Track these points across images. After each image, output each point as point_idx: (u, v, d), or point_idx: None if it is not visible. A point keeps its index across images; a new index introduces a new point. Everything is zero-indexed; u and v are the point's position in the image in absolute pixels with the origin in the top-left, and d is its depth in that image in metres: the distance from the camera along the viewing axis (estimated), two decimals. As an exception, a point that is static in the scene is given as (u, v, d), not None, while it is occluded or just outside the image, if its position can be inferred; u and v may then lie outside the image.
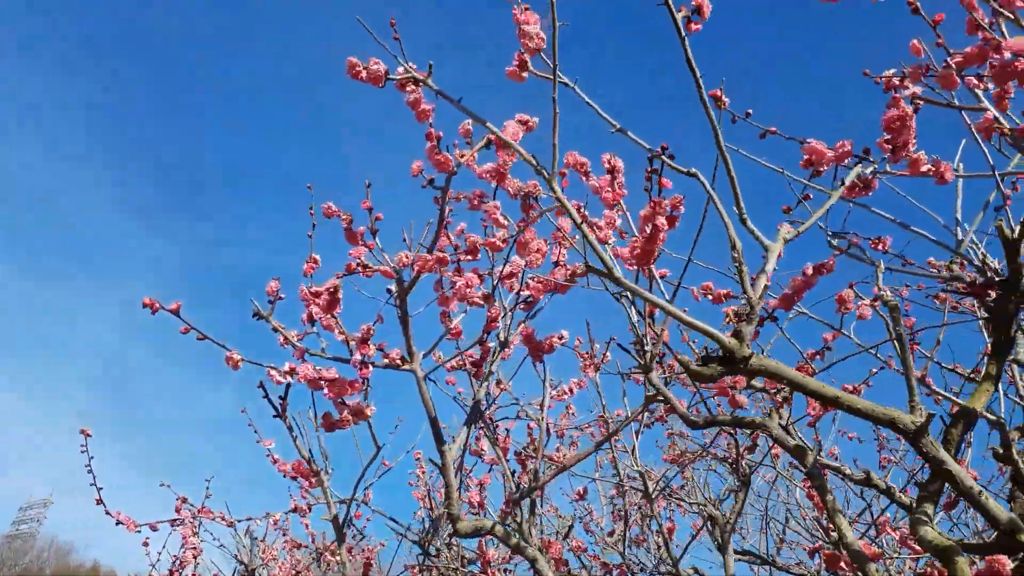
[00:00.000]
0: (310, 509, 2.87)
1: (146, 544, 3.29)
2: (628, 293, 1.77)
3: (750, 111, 1.77)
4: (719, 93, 1.67)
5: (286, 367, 1.70)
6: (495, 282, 1.84)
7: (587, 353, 2.93)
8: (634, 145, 1.51)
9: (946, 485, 1.18)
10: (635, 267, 1.54)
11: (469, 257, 1.76)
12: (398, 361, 1.92)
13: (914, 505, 1.36)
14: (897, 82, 1.62)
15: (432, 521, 2.71)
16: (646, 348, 1.74)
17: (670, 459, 3.56)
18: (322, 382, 1.69)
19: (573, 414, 3.42)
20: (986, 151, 1.70)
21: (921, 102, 1.54)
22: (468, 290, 1.90)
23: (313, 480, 2.23)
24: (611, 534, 3.51)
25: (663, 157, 1.33)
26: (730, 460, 2.36)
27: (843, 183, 1.38)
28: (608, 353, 2.85)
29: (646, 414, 3.05)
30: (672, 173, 1.40)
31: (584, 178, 1.83)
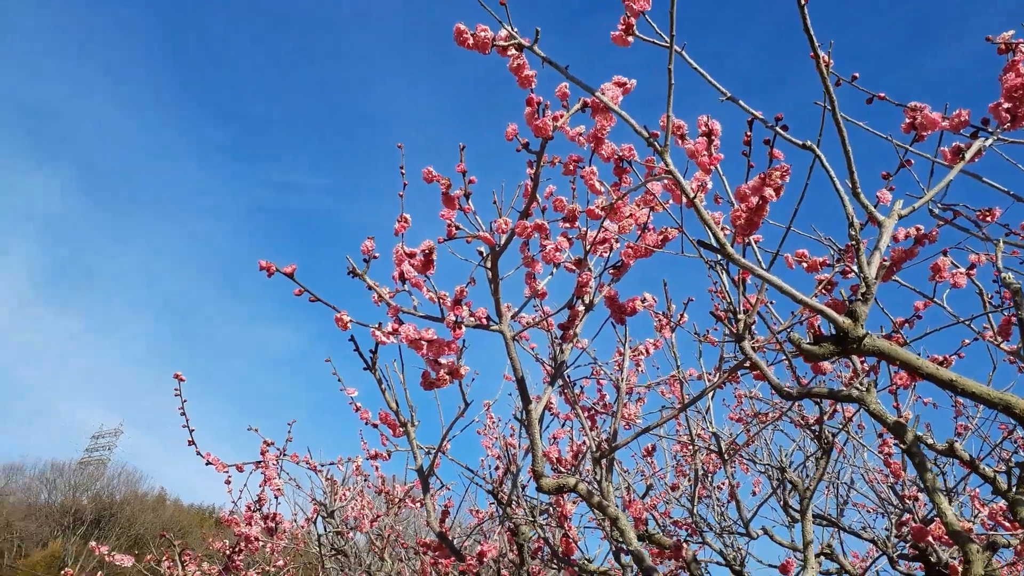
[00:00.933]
0: (389, 456, 2.98)
1: (228, 483, 3.48)
2: (723, 261, 1.76)
3: (856, 74, 1.72)
4: (827, 58, 1.62)
5: (389, 327, 1.75)
6: (587, 247, 1.85)
7: (663, 313, 2.93)
8: (728, 110, 1.49)
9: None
10: (737, 236, 1.53)
11: (567, 224, 1.77)
12: (487, 321, 1.96)
13: (1015, 488, 1.35)
14: (1015, 44, 1.55)
15: (508, 472, 2.79)
16: (739, 317, 1.74)
17: (737, 418, 3.56)
18: (423, 342, 1.74)
19: (643, 371, 3.45)
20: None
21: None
22: (557, 254, 1.92)
23: (400, 430, 2.31)
24: (674, 487, 3.56)
25: (776, 128, 1.31)
26: (811, 426, 2.35)
27: (962, 155, 1.34)
28: (685, 314, 2.85)
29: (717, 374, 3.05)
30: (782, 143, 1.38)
31: (680, 141, 1.81)
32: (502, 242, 1.83)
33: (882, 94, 1.62)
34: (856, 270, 1.17)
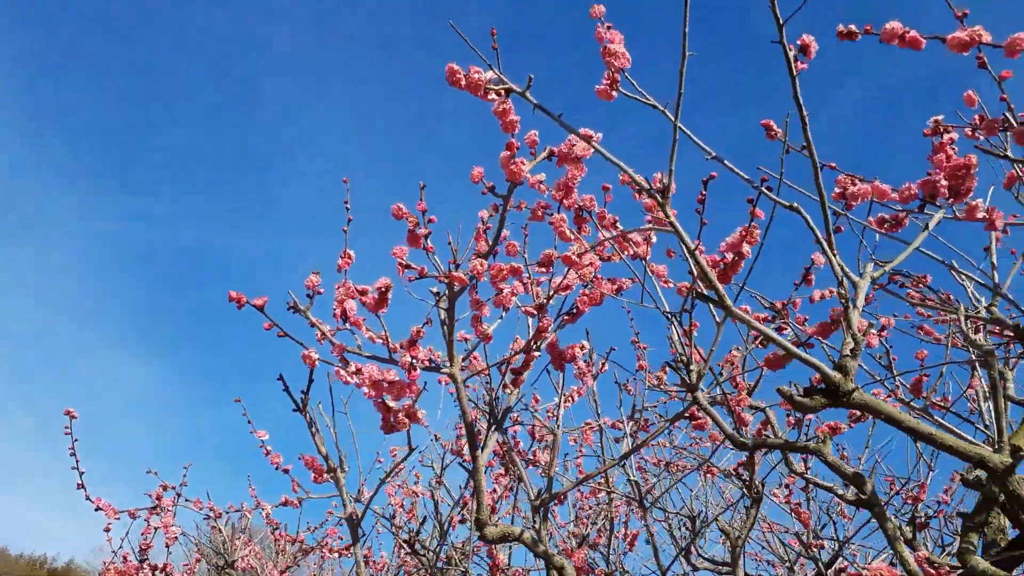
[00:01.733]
0: (299, 503, 2.81)
1: (108, 530, 3.17)
2: (675, 316, 1.81)
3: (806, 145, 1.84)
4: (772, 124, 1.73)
5: (352, 367, 1.66)
6: (550, 293, 1.85)
7: (586, 362, 2.97)
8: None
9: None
10: (705, 287, 1.57)
11: (543, 269, 1.76)
12: (439, 363, 1.90)
13: (959, 535, 1.44)
14: (942, 128, 1.71)
15: (427, 521, 2.69)
16: (691, 368, 1.78)
17: (656, 462, 3.63)
18: (384, 383, 1.66)
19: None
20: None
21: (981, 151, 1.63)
22: (512, 299, 1.91)
23: (326, 476, 2.19)
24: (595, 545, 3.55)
25: (762, 189, 1.37)
26: (742, 476, 2.43)
27: (927, 227, 1.45)
28: (605, 364, 2.90)
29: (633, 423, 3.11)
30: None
31: (637, 196, 1.86)
32: (467, 284, 1.80)
33: (833, 164, 1.74)
34: (845, 327, 1.22)
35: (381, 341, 1.92)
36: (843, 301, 1.23)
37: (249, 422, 2.81)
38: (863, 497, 1.47)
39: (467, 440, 1.96)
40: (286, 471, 2.79)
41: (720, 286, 1.27)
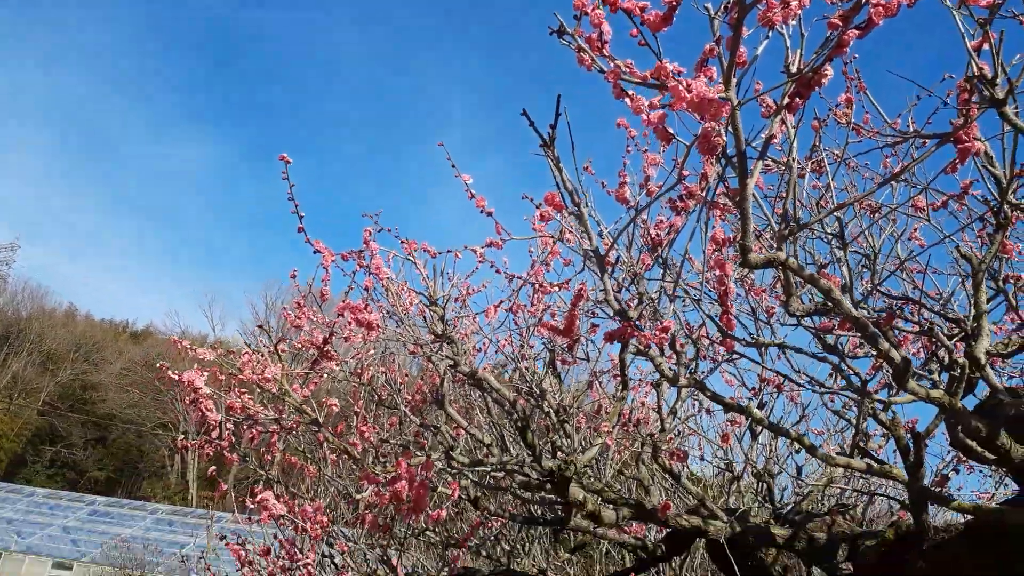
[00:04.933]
0: (503, 244, 2.91)
1: (326, 267, 3.34)
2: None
3: None
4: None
5: (670, 84, 1.59)
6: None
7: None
8: None
9: None
10: None
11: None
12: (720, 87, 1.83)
13: None
14: None
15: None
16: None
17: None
18: (707, 103, 1.60)
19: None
20: None
21: None
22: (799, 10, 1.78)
23: (568, 212, 2.23)
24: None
25: None
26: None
27: None
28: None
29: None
30: None
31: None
32: None
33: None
34: None
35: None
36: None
37: (452, 166, 2.83)
38: None
39: (738, 168, 1.95)
40: (490, 213, 2.86)
41: None
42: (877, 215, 2.86)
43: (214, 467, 3.88)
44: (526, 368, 3.36)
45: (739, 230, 1.99)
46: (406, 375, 4.42)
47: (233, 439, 3.53)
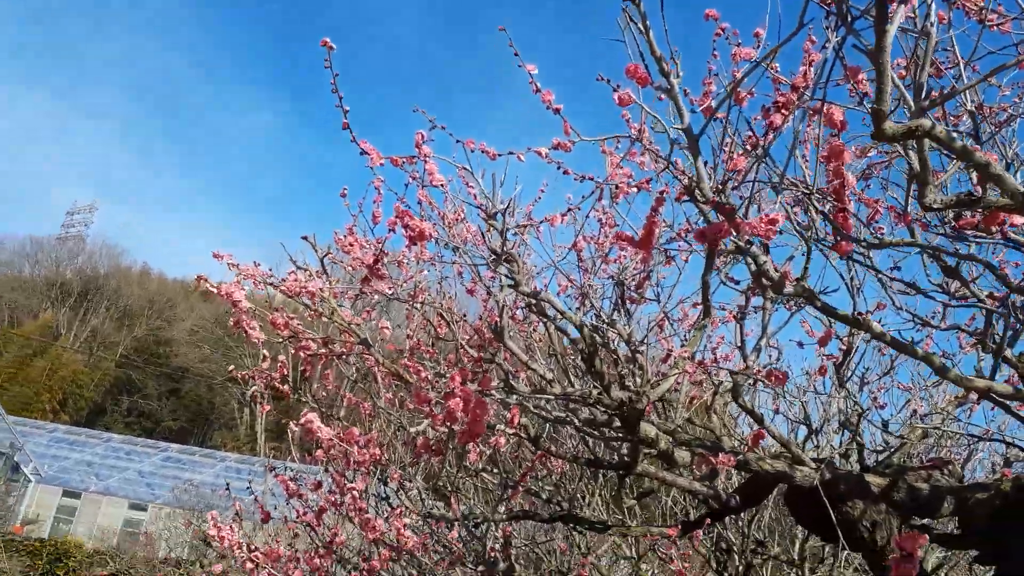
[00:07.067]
0: (570, 147, 2.58)
1: (375, 169, 3.09)
2: None
3: None
4: None
5: None
6: None
7: None
8: None
9: None
10: None
11: None
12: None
13: None
14: None
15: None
16: None
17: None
18: None
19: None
20: None
21: None
22: None
23: (655, 85, 1.88)
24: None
25: None
26: None
27: None
28: None
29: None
30: None
31: None
32: None
33: None
34: None
35: None
36: None
37: (516, 54, 2.50)
38: None
39: (876, 11, 1.57)
40: (557, 111, 2.53)
41: None
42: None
43: (284, 419, 3.71)
44: (592, 303, 3.06)
45: (875, 94, 1.61)
46: (464, 316, 4.17)
47: (286, 371, 3.34)
